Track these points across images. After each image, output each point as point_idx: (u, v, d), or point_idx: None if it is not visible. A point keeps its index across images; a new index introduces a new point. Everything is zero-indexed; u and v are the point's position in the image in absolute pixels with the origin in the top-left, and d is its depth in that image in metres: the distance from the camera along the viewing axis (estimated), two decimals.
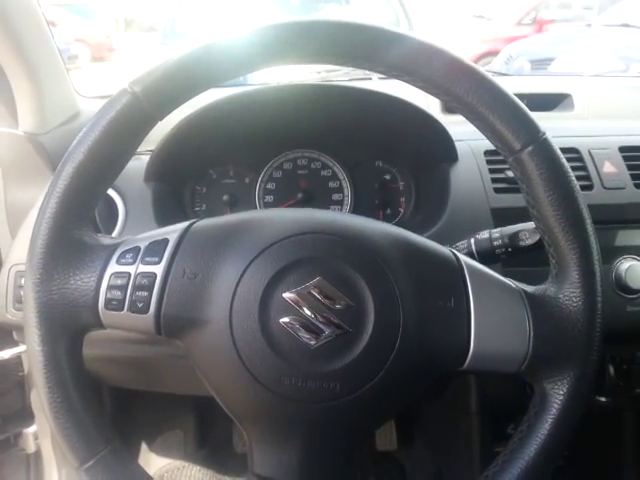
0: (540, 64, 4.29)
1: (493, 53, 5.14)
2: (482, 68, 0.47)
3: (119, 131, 0.44)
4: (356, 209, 0.84)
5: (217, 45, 0.44)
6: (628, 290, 0.71)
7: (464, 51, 5.56)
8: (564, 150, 0.78)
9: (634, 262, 0.71)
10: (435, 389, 0.86)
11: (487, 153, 0.76)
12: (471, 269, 0.47)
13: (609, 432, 0.97)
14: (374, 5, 3.88)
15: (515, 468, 0.45)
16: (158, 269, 0.44)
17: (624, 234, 0.73)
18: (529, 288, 0.48)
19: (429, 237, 0.73)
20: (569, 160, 0.76)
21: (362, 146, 0.84)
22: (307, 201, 0.83)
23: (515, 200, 0.73)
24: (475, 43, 5.61)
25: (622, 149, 0.77)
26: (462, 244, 0.61)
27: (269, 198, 0.83)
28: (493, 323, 0.45)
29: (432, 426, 1.07)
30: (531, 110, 1.03)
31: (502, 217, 0.72)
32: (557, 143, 0.77)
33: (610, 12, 4.94)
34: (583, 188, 0.74)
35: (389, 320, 0.44)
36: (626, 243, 0.72)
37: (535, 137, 0.46)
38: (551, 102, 1.03)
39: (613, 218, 0.73)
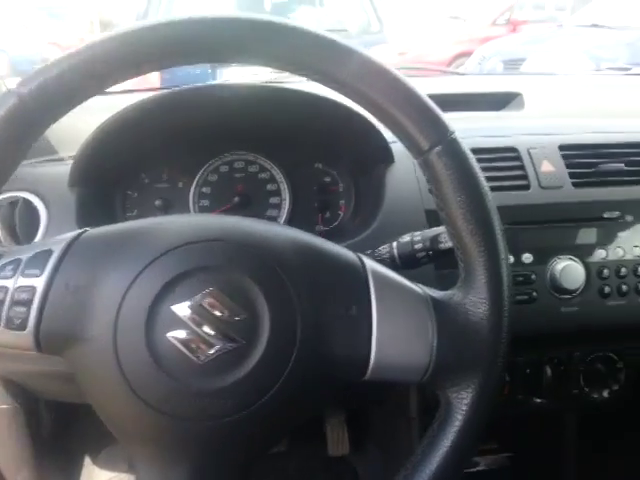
0: (513, 64, 4.32)
1: (468, 54, 5.16)
2: (392, 66, 0.46)
3: (3, 135, 0.42)
4: (294, 212, 0.82)
5: (110, 41, 0.42)
6: (563, 291, 0.70)
7: (440, 52, 5.58)
8: (502, 149, 0.78)
9: (569, 262, 0.70)
10: (374, 395, 0.84)
11: None
12: (376, 275, 0.45)
13: (551, 433, 0.96)
14: (347, 7, 3.88)
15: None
16: (39, 282, 0.41)
17: (561, 233, 0.72)
18: (437, 294, 0.46)
19: (362, 240, 0.73)
20: (507, 159, 0.77)
21: (301, 148, 0.82)
22: (244, 205, 0.81)
23: None
24: (450, 44, 5.64)
25: (562, 147, 0.76)
26: (384, 248, 0.59)
27: (204, 202, 0.81)
28: (396, 331, 0.44)
29: (381, 430, 1.06)
30: (482, 109, 1.03)
31: (436, 219, 0.71)
32: (497, 142, 0.79)
33: (581, 13, 4.99)
34: (520, 188, 0.73)
35: (285, 331, 0.42)
36: (562, 243, 0.72)
37: (443, 137, 0.45)
38: (502, 101, 1.02)
39: (550, 217, 0.72)
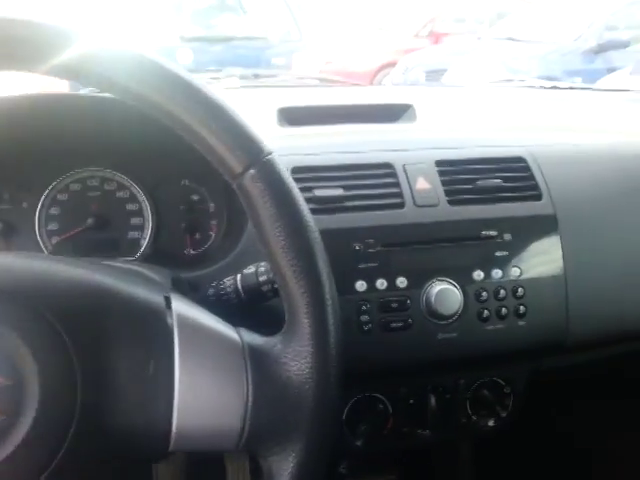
0: (435, 75, 4.43)
1: (393, 64, 5.26)
2: (193, 76, 0.39)
3: None
4: (159, 235, 0.74)
5: None
6: (439, 316, 0.65)
7: (366, 62, 5.64)
8: (377, 165, 0.73)
9: (445, 285, 0.66)
10: None
11: (295, 170, 0.69)
12: (183, 320, 0.38)
13: (447, 460, 0.92)
14: (268, 15, 3.83)
15: None
16: None
17: (436, 255, 0.67)
18: (258, 341, 0.39)
19: (221, 268, 0.66)
20: (382, 176, 0.72)
21: (164, 163, 0.74)
22: (100, 227, 0.72)
23: (323, 222, 0.65)
24: (376, 54, 5.72)
25: (438, 163, 0.72)
26: (229, 280, 0.52)
27: (53, 226, 0.71)
28: (203, 391, 0.36)
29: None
30: (375, 122, 0.99)
31: None
32: (372, 158, 0.73)
33: (498, 26, 5.20)
34: (395, 206, 0.68)
35: (60, 399, 0.34)
36: (438, 265, 0.67)
37: (257, 158, 0.38)
38: (394, 113, 0.98)
39: (425, 238, 0.67)
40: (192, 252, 0.74)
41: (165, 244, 0.73)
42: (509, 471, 0.96)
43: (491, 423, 0.75)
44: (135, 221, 0.73)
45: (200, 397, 0.36)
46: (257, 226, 0.39)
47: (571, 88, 1.21)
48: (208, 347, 0.37)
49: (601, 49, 4.24)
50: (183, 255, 0.73)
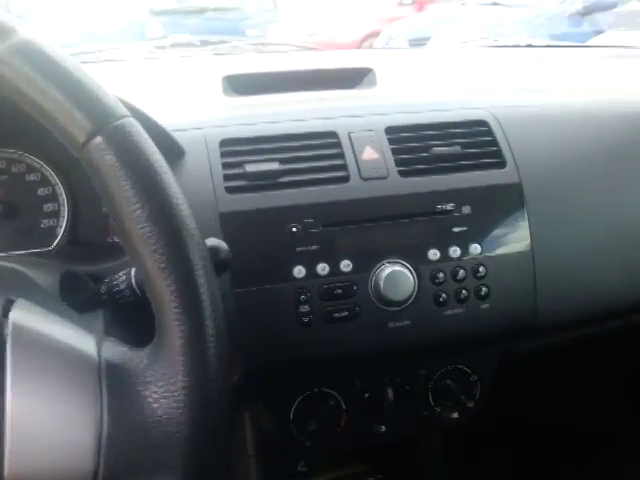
0: (418, 43, 4.30)
1: (377, 33, 5.09)
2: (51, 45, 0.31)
3: None
4: (77, 221, 0.66)
5: None
6: (390, 302, 0.58)
7: (349, 32, 5.47)
8: (319, 135, 0.64)
9: (395, 267, 0.58)
10: None
11: (224, 143, 0.61)
12: (21, 332, 0.30)
13: (416, 450, 0.86)
14: None
15: None
16: None
17: (386, 233, 0.60)
18: (119, 355, 0.32)
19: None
20: (324, 147, 0.63)
21: None
22: (8, 216, 0.64)
23: (253, 201, 0.58)
24: (360, 24, 5.54)
25: (388, 130, 0.64)
26: (122, 275, 0.45)
27: None
28: (41, 423, 0.29)
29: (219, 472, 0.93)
30: (332, 88, 0.89)
31: (235, 224, 0.57)
32: (313, 127, 0.65)
33: None
34: (338, 180, 0.60)
35: None
36: (388, 244, 0.60)
37: (103, 123, 0.30)
38: (354, 78, 0.90)
39: (372, 215, 0.60)
40: (115, 239, 0.66)
41: (84, 232, 0.65)
42: (480, 463, 0.91)
43: (456, 415, 0.69)
44: (49, 207, 0.65)
45: (38, 431, 0.28)
46: (111, 210, 0.31)
47: (547, 46, 1.13)
48: (51, 365, 0.30)
49: (587, 11, 4.11)
50: (105, 243, 0.66)
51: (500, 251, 0.63)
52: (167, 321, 0.30)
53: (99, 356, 0.31)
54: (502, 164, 0.64)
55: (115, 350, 0.32)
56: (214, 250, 0.39)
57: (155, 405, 0.30)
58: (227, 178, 0.58)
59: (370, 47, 5.28)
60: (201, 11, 3.14)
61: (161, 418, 0.30)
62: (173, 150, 0.59)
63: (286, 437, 0.65)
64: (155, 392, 0.30)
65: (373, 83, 0.85)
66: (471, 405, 0.69)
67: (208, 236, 0.49)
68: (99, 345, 0.31)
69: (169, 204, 0.31)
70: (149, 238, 0.30)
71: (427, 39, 4.36)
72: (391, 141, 0.63)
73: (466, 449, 0.91)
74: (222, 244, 0.40)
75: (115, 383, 0.30)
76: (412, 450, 0.89)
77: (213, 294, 0.32)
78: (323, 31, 5.54)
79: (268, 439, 0.71)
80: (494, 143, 0.65)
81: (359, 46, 5.44)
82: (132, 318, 0.42)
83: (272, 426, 0.66)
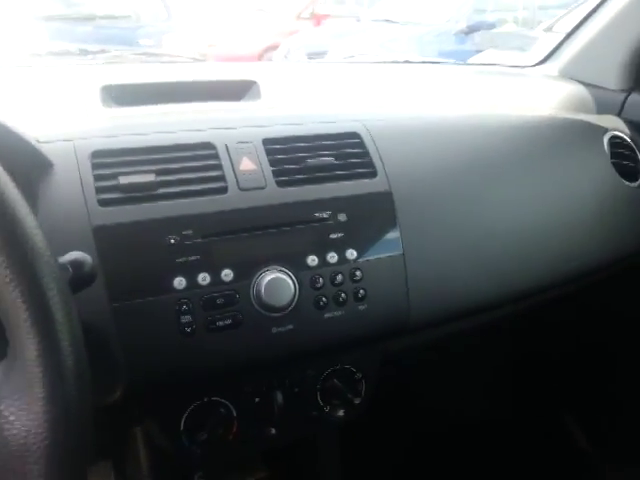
0: (316, 57, 4.41)
1: (276, 46, 5.17)
2: None
3: None
4: None
5: None
6: (272, 308, 0.60)
7: (249, 44, 5.49)
8: (196, 146, 0.64)
9: (275, 275, 0.60)
10: None
11: (96, 154, 0.60)
12: None
13: (314, 450, 0.89)
14: None
15: None
16: None
17: (265, 242, 0.62)
18: None
19: None
20: (200, 158, 0.64)
21: None
22: None
23: (128, 214, 0.58)
24: (259, 36, 5.59)
25: (266, 142, 0.66)
26: None
27: None
28: None
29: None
30: (217, 100, 0.90)
31: (110, 238, 0.56)
32: (191, 138, 0.65)
33: (376, 8, 5.29)
34: (216, 191, 0.61)
35: None
36: (268, 252, 0.62)
37: None
38: (238, 91, 0.91)
39: (251, 224, 0.61)
40: None
41: None
42: (374, 457, 0.96)
43: (344, 412, 0.72)
44: None
45: None
46: None
47: (423, 62, 1.21)
48: None
49: (470, 30, 4.45)
50: None
51: (374, 255, 0.67)
52: (18, 334, 0.30)
53: None
54: (373, 174, 0.69)
55: None
56: (77, 263, 0.39)
57: (12, 418, 0.29)
58: (99, 190, 0.58)
59: (270, 60, 5.35)
60: (89, 18, 3.01)
61: (19, 431, 0.29)
62: (38, 163, 0.57)
63: (178, 449, 0.64)
64: (11, 405, 0.29)
65: (257, 96, 0.87)
66: (358, 402, 0.72)
67: (79, 250, 0.48)
68: None
69: (10, 219, 0.31)
70: None
71: (325, 53, 4.50)
72: (268, 152, 0.65)
73: (360, 445, 0.94)
74: (85, 256, 0.40)
75: None
76: (309, 452, 0.91)
77: (66, 305, 0.31)
78: (223, 43, 5.53)
79: (161, 454, 0.70)
80: (366, 154, 0.70)
81: (259, 59, 5.48)
82: None
83: (163, 440, 0.65)
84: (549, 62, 1.16)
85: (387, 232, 0.68)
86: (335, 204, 0.65)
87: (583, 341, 1.21)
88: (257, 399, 0.67)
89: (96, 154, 0.59)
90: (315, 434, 0.90)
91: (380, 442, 0.97)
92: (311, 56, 4.45)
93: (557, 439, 1.33)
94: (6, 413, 0.29)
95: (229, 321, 0.59)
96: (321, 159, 0.67)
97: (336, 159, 0.68)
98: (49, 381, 0.30)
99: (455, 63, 1.36)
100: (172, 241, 0.57)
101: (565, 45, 1.14)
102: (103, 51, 0.99)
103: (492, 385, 1.21)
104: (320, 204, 0.65)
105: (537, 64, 1.18)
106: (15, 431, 0.29)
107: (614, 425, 1.24)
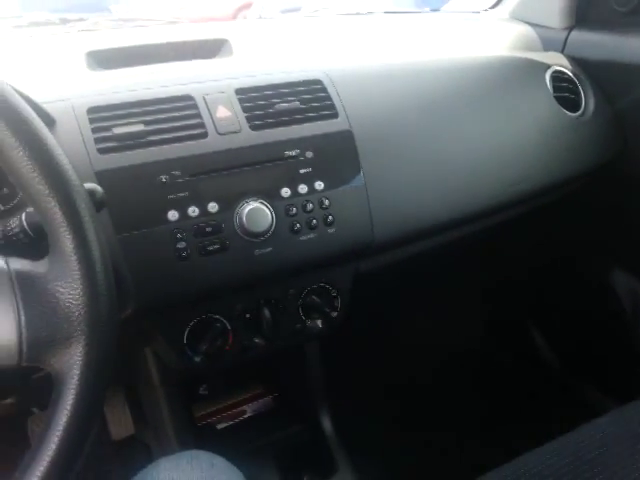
0: (290, 12, 4.38)
1: (248, 5, 5.11)
2: None
3: None
4: None
5: None
6: (253, 234, 0.71)
7: (222, 5, 5.43)
8: (177, 98, 0.74)
9: (254, 205, 0.71)
10: None
11: (92, 110, 0.69)
12: None
13: (301, 366, 1.01)
14: None
15: (39, 464, 0.40)
16: None
17: (243, 178, 0.72)
18: (24, 266, 0.42)
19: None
20: (182, 109, 0.74)
21: None
22: None
23: (124, 159, 0.67)
24: None
25: (238, 91, 0.75)
26: (15, 220, 0.53)
27: None
28: None
29: (144, 403, 1.03)
30: (191, 59, 0.99)
31: (110, 180, 0.66)
32: (172, 92, 0.74)
33: None
34: (198, 136, 0.71)
35: None
36: (247, 187, 0.72)
37: None
38: (212, 49, 0.99)
39: (230, 163, 0.71)
40: (1, 208, 0.72)
41: None
42: (354, 367, 1.08)
43: (322, 324, 0.84)
44: None
45: None
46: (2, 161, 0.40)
47: (385, 13, 1.28)
48: None
49: None
50: None
51: (340, 186, 0.77)
52: (57, 235, 0.40)
53: (8, 266, 0.40)
54: (335, 115, 0.79)
55: (21, 262, 0.41)
56: (91, 192, 0.49)
57: (59, 295, 0.40)
58: (98, 141, 0.67)
59: (244, 18, 5.29)
60: None
61: (65, 299, 0.40)
62: (44, 120, 0.66)
63: (183, 360, 0.76)
64: (57, 285, 0.40)
65: (229, 52, 0.96)
66: (335, 315, 0.84)
67: None
68: (6, 262, 0.41)
69: (44, 145, 0.40)
70: (32, 172, 0.39)
71: (298, 9, 4.47)
72: (241, 100, 0.75)
73: (342, 359, 1.07)
74: (97, 187, 0.50)
75: (24, 283, 0.40)
76: (298, 370, 1.04)
77: (90, 212, 0.42)
78: (195, 5, 5.45)
79: (170, 370, 0.82)
80: (328, 98, 0.79)
81: (233, 19, 5.42)
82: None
83: (170, 354, 0.77)
84: (500, 6, 1.24)
85: (350, 166, 0.78)
86: (303, 143, 0.75)
87: (538, 262, 1.34)
88: (248, 315, 0.78)
89: (91, 110, 0.68)
90: (302, 354, 1.02)
91: (359, 358, 1.10)
92: (285, 12, 4.42)
93: (527, 357, 1.47)
94: (55, 289, 0.40)
95: (217, 246, 0.70)
96: (288, 104, 0.76)
97: (302, 103, 0.77)
98: (82, 266, 0.40)
99: (417, 12, 1.43)
100: (163, 180, 0.67)
101: None
102: (82, 19, 1.06)
103: (461, 307, 1.34)
104: (289, 143, 0.75)
105: (490, 8, 1.26)
106: (62, 301, 0.40)
107: (578, 341, 1.38)
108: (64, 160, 0.41)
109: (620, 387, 1.23)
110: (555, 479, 0.70)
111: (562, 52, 1.12)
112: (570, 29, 1.12)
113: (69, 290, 0.40)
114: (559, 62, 1.07)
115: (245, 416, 1.06)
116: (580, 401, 1.32)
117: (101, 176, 0.66)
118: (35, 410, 1.02)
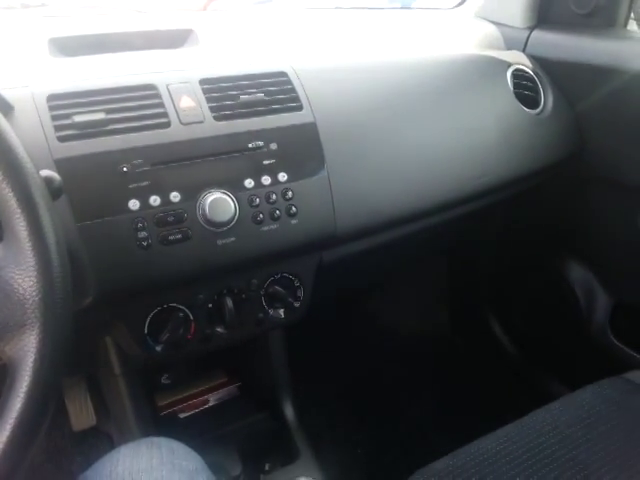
0: (262, 2, 4.35)
1: None
2: None
3: None
4: None
5: None
6: (216, 224, 0.71)
7: None
8: (140, 87, 0.74)
9: (217, 195, 0.71)
10: None
11: (51, 98, 0.68)
12: None
13: (266, 354, 1.03)
14: None
15: None
16: None
17: (206, 168, 0.72)
18: None
19: None
20: (146, 97, 0.73)
21: None
22: None
23: (85, 147, 0.67)
24: None
25: (202, 82, 0.75)
26: None
27: None
28: None
29: (103, 392, 1.03)
30: (158, 47, 0.98)
31: (71, 168, 0.66)
32: (135, 81, 0.74)
33: None
34: (161, 126, 0.71)
35: None
36: (210, 177, 0.72)
37: None
38: (177, 39, 0.99)
39: (193, 154, 0.72)
40: None
41: None
42: (316, 355, 1.10)
43: (285, 314, 0.85)
44: None
45: None
46: None
47: (352, 8, 1.30)
48: None
49: None
50: None
51: (303, 178, 0.78)
52: (12, 221, 0.40)
53: None
54: (299, 107, 0.79)
55: None
56: (47, 179, 0.49)
57: (12, 282, 0.40)
58: (57, 129, 0.66)
59: (215, 10, 5.23)
60: None
61: (19, 287, 0.40)
62: (2, 106, 0.65)
63: (145, 349, 0.76)
64: (11, 271, 0.40)
65: (195, 43, 0.96)
66: (297, 305, 0.85)
67: None
68: None
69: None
70: None
71: (269, 1, 4.44)
72: (205, 91, 0.75)
73: (305, 347, 1.08)
74: (54, 174, 0.50)
75: None
76: (262, 359, 1.05)
77: (46, 200, 0.42)
78: None
79: (132, 359, 0.82)
80: (292, 90, 0.80)
81: (205, 8, 5.35)
82: None
83: (131, 343, 0.77)
84: (466, 4, 1.26)
85: (313, 158, 0.79)
86: (266, 134, 0.76)
87: (498, 252, 1.38)
88: (210, 305, 0.79)
89: (51, 97, 0.68)
90: (266, 344, 1.03)
91: (322, 346, 1.11)
92: (258, 2, 4.39)
93: (484, 345, 1.52)
94: (9, 276, 0.40)
95: (179, 236, 0.70)
96: (252, 96, 0.77)
97: (266, 95, 0.78)
98: (37, 252, 0.40)
99: (384, 8, 1.45)
100: (124, 169, 0.67)
101: None
102: (44, 5, 1.04)
103: (424, 294, 1.37)
104: (253, 135, 0.75)
105: (455, 6, 1.28)
106: (16, 287, 0.40)
107: (533, 329, 1.43)
108: (18, 146, 0.41)
109: (572, 374, 1.28)
110: (508, 462, 0.73)
111: (523, 51, 1.15)
112: (532, 29, 1.15)
113: (23, 277, 0.40)
114: (520, 61, 1.10)
115: (208, 405, 1.06)
116: (534, 387, 1.37)
117: (61, 164, 0.65)
118: None
